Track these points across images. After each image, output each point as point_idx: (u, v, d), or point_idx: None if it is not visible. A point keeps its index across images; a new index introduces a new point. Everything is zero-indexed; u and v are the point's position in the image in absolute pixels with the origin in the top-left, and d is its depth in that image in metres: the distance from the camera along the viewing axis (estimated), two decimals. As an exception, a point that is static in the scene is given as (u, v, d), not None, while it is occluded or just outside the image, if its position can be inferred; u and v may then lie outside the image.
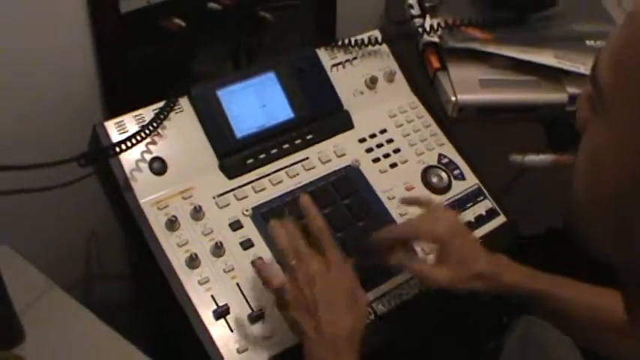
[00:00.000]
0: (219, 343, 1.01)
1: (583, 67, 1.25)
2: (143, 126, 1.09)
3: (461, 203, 1.23)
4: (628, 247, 0.57)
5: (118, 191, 1.09)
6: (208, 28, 1.39)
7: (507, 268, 1.06)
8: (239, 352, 1.01)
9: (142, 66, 1.31)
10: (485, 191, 1.26)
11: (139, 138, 1.07)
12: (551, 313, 1.08)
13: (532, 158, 0.98)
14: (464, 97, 1.26)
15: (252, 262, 1.03)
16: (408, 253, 1.09)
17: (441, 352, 1.37)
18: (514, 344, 1.26)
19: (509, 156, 1.00)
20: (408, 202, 1.16)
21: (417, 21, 1.35)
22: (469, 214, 1.22)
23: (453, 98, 1.26)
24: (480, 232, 1.22)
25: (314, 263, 0.95)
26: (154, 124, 1.09)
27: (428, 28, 1.31)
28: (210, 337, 1.01)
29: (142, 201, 1.09)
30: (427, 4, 1.36)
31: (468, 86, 1.27)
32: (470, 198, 1.24)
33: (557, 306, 1.04)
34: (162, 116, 1.11)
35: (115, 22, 1.22)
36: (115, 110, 1.23)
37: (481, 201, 1.25)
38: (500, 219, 1.24)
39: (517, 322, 1.28)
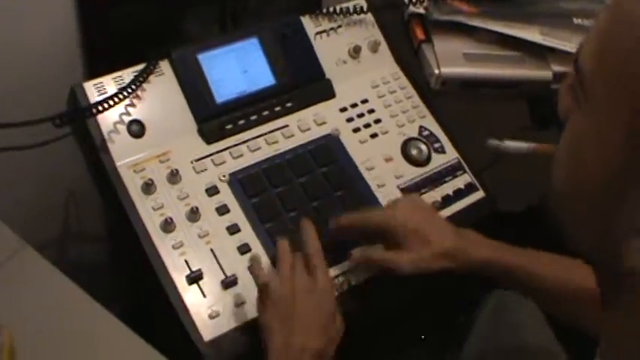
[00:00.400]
0: (191, 308, 1.01)
1: (569, 44, 1.25)
2: (122, 88, 1.08)
3: (440, 176, 1.23)
4: (604, 241, 0.57)
5: (94, 153, 1.08)
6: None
7: (476, 244, 1.07)
8: (211, 317, 1.01)
9: (124, 26, 1.29)
10: (464, 165, 1.25)
11: (116, 100, 1.06)
12: (523, 287, 1.08)
13: (510, 144, 0.97)
14: (447, 69, 1.26)
15: (250, 258, 1.04)
16: (368, 246, 1.08)
17: (413, 326, 1.37)
18: (485, 319, 1.27)
19: (486, 140, 1.00)
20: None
21: (404, -9, 1.34)
22: (448, 188, 1.22)
23: (437, 71, 1.26)
24: (458, 206, 1.22)
25: (303, 279, 0.98)
26: (133, 87, 1.08)
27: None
28: (183, 302, 1.01)
29: (118, 163, 1.08)
30: (415, -26, 1.35)
31: (451, 59, 1.27)
32: (449, 172, 1.24)
33: (529, 279, 1.05)
34: (141, 79, 1.10)
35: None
36: (95, 71, 1.21)
37: (460, 175, 1.25)
38: (479, 194, 1.24)
39: (489, 298, 1.29)
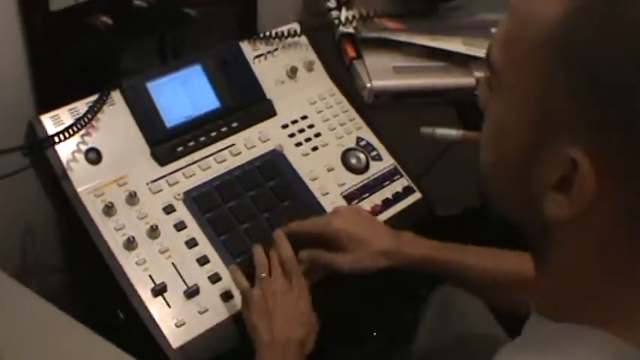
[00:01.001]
0: (158, 319, 1.08)
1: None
2: (78, 118, 1.15)
3: (379, 182, 1.33)
4: (528, 203, 0.67)
5: (55, 181, 1.15)
6: (135, 25, 1.45)
7: (412, 243, 1.18)
8: (177, 326, 1.08)
9: (72, 63, 1.36)
10: (401, 170, 1.35)
11: (75, 129, 1.13)
12: (457, 280, 1.18)
13: (441, 131, 1.08)
14: (379, 83, 1.35)
15: (229, 269, 1.14)
16: (314, 250, 1.17)
17: (364, 324, 1.46)
18: (432, 314, 1.36)
19: (420, 129, 1.10)
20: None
21: (334, 13, 1.44)
22: (387, 192, 1.32)
23: (369, 85, 1.35)
24: (398, 207, 1.32)
25: (280, 281, 1.09)
26: (89, 116, 1.15)
27: (344, 20, 1.40)
28: (150, 314, 1.08)
29: (79, 189, 1.15)
30: (343, -2, 1.45)
31: (382, 73, 1.37)
32: (387, 177, 1.34)
33: (462, 272, 1.15)
34: (96, 108, 1.17)
35: (44, 20, 1.27)
36: (45, 107, 1.27)
37: (397, 179, 1.34)
38: (416, 195, 1.34)
39: (434, 294, 1.38)
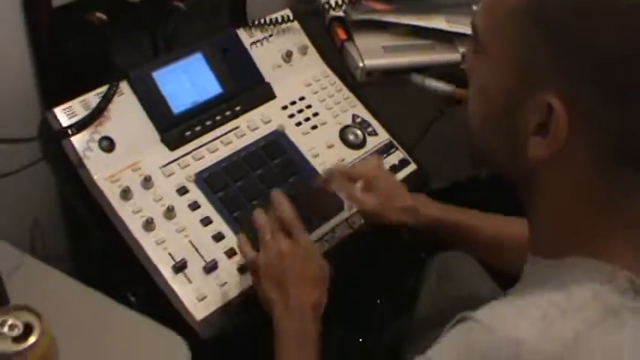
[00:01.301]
0: (180, 294, 1.14)
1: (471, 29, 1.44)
2: (93, 109, 1.21)
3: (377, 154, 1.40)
4: (512, 150, 0.77)
5: (72, 171, 1.20)
6: (129, 20, 1.51)
7: (428, 205, 1.25)
8: (199, 300, 1.14)
9: (72, 58, 1.42)
10: (396, 144, 1.42)
11: (89, 119, 1.19)
12: (470, 242, 1.26)
13: (431, 82, 1.15)
14: (370, 62, 1.42)
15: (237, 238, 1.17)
16: (344, 183, 1.24)
17: (369, 293, 1.54)
18: (431, 280, 1.44)
19: (410, 75, 1.18)
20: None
21: (323, -1, 1.51)
22: (385, 164, 1.39)
23: (361, 64, 1.42)
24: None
25: (285, 242, 1.09)
26: (102, 106, 1.21)
27: (333, 4, 1.47)
28: (172, 290, 1.14)
29: (95, 177, 1.20)
30: (330, -18, 1.52)
31: (373, 53, 1.44)
32: (383, 150, 1.41)
33: (476, 235, 1.23)
34: (107, 99, 1.23)
35: (48, 16, 1.33)
36: (50, 100, 1.33)
37: (393, 152, 1.41)
38: (412, 167, 1.41)
39: (432, 260, 1.46)
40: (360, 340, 1.51)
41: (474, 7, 1.49)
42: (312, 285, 1.08)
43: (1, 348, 0.82)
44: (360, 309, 1.49)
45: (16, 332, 0.83)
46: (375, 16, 1.46)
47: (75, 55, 1.41)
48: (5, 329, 0.83)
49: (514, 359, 0.68)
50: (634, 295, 0.72)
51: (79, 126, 1.19)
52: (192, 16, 1.62)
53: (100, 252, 1.30)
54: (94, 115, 1.21)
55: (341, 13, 1.47)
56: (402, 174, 1.40)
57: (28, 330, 0.83)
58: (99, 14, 1.42)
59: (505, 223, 1.22)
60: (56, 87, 1.38)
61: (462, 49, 1.45)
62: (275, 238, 1.10)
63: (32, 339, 0.83)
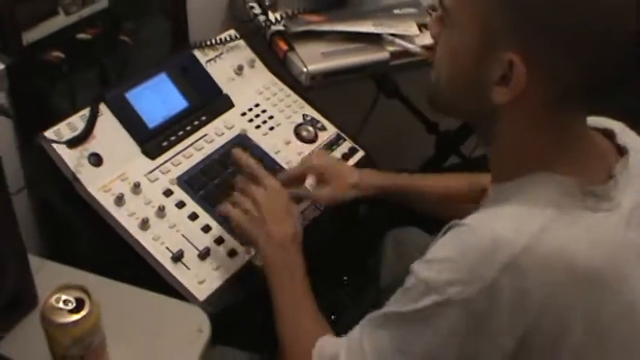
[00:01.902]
0: (182, 280, 1.29)
1: (394, 29, 1.64)
2: (82, 130, 1.36)
3: (328, 147, 1.58)
4: (477, 99, 0.96)
5: (68, 185, 1.34)
6: (82, 54, 1.66)
7: (375, 175, 1.46)
8: (199, 283, 1.29)
9: (41, 90, 1.56)
10: (343, 135, 1.62)
11: (82, 138, 1.34)
12: (419, 201, 1.45)
13: (401, 42, 1.34)
14: (312, 67, 1.60)
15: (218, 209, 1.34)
16: (300, 186, 1.42)
17: (335, 272, 1.71)
18: (389, 256, 1.61)
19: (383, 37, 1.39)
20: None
21: (261, 17, 1.69)
22: (337, 154, 1.58)
23: (305, 69, 1.60)
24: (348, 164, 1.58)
25: (254, 190, 1.28)
26: (89, 127, 1.36)
27: (273, 20, 1.65)
28: (175, 277, 1.29)
29: (89, 189, 1.35)
30: (267, 3, 1.70)
31: (313, 59, 1.62)
32: (334, 142, 1.60)
33: (419, 192, 1.42)
34: (92, 120, 1.38)
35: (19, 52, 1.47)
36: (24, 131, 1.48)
37: (342, 143, 1.61)
38: (360, 153, 1.61)
39: (386, 238, 1.64)
40: (332, 317, 1.67)
41: (396, 11, 1.71)
42: (288, 218, 1.26)
43: (60, 319, 0.96)
44: (328, 288, 1.66)
45: (70, 306, 0.97)
46: (312, 27, 1.65)
47: (40, 88, 1.56)
48: (61, 304, 0.97)
49: (493, 249, 0.87)
50: (582, 196, 0.93)
51: (71, 144, 1.34)
52: (140, 47, 1.79)
53: (92, 255, 1.42)
54: (84, 134, 1.36)
55: (281, 27, 1.66)
56: (352, 161, 1.59)
57: (80, 304, 0.98)
58: (56, 53, 1.58)
59: (450, 179, 1.42)
60: (29, 117, 1.52)
61: (389, 49, 1.65)
62: (246, 189, 1.29)
63: (84, 311, 0.97)
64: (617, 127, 1.04)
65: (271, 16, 1.67)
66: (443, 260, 0.93)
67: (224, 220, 1.37)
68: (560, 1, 0.88)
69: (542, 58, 0.90)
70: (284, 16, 1.66)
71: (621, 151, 1.00)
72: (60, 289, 0.98)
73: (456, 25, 0.96)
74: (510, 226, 0.89)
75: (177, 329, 1.14)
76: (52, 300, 0.97)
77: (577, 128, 0.97)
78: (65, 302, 0.97)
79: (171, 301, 1.19)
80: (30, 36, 1.52)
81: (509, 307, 0.87)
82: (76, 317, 0.96)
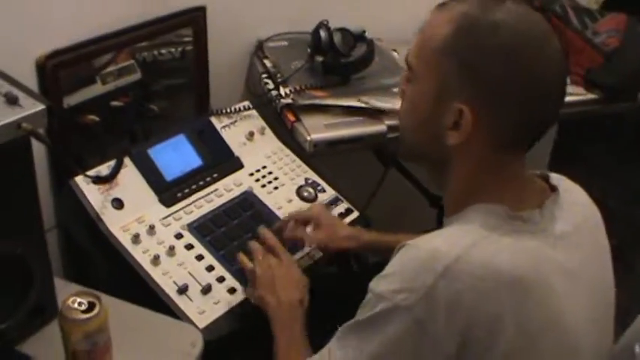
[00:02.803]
0: (185, 310, 1.46)
1: (391, 105, 1.84)
2: (106, 175, 1.56)
3: (327, 207, 1.77)
4: (434, 143, 1.15)
5: (93, 224, 1.54)
6: (115, 119, 1.90)
7: (365, 232, 1.64)
8: (200, 313, 1.46)
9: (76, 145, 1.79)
10: (341, 197, 1.80)
11: (105, 183, 1.55)
12: None
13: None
14: (315, 136, 1.81)
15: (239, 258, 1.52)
16: (297, 229, 1.61)
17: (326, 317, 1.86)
18: None
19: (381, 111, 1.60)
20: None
21: (274, 92, 1.91)
22: (334, 213, 1.76)
23: (309, 138, 1.80)
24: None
25: (272, 259, 1.47)
26: (113, 174, 1.57)
27: (283, 94, 1.87)
28: (179, 307, 1.46)
29: (111, 228, 1.54)
30: (278, 79, 1.93)
31: (317, 129, 1.82)
32: (332, 203, 1.78)
33: None
34: (116, 169, 1.59)
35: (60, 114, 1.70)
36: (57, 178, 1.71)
37: (340, 204, 1.79)
38: (355, 214, 1.79)
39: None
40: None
41: (394, 90, 1.91)
42: (296, 286, 1.44)
43: (74, 316, 1.14)
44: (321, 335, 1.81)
45: (83, 307, 1.15)
46: (317, 101, 1.86)
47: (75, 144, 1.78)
48: (76, 305, 1.15)
49: (431, 259, 1.05)
50: (509, 219, 1.11)
51: (96, 182, 1.55)
52: (165, 115, 2.02)
53: (109, 284, 1.60)
54: (108, 179, 1.56)
55: (290, 101, 1.87)
56: (347, 219, 1.77)
57: (91, 306, 1.16)
58: (91, 116, 1.82)
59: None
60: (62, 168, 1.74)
61: (387, 122, 1.85)
62: (265, 257, 1.48)
63: (94, 312, 1.15)
64: (555, 175, 1.24)
65: (282, 90, 1.89)
66: (391, 274, 1.10)
67: (227, 264, 1.55)
68: (506, 69, 1.08)
69: (488, 110, 1.10)
70: (293, 90, 1.88)
71: (554, 190, 1.19)
72: (76, 294, 1.17)
73: (419, 80, 1.16)
74: (446, 241, 1.08)
75: (174, 343, 1.32)
76: (69, 301, 1.16)
77: (515, 167, 1.16)
78: (79, 304, 1.16)
79: (169, 319, 1.37)
80: (70, 100, 1.76)
81: (446, 310, 1.03)
82: (86, 316, 1.15)
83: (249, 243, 1.53)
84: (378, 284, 1.11)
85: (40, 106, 1.12)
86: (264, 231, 1.55)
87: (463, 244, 1.06)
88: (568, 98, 2.04)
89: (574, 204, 1.20)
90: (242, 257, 1.51)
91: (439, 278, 1.03)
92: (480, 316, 1.04)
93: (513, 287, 1.05)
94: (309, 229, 1.62)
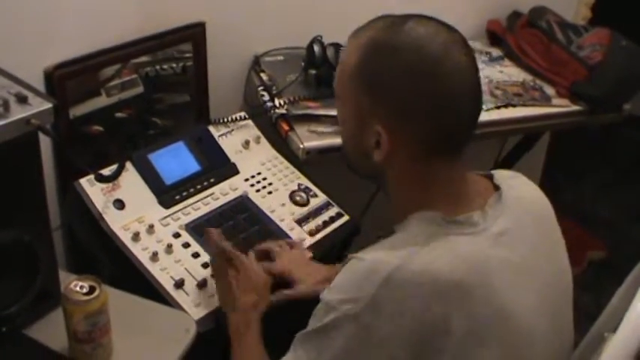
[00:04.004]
0: (181, 302, 1.55)
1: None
2: (109, 177, 1.66)
3: (318, 210, 1.86)
4: (365, 159, 1.24)
5: (96, 223, 1.64)
6: (118, 130, 2.00)
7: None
8: (195, 306, 1.56)
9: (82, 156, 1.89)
10: (332, 202, 1.89)
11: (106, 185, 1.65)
12: None
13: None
14: (308, 144, 1.91)
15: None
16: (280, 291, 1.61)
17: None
18: None
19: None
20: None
21: (269, 103, 2.02)
22: (324, 217, 1.85)
23: (301, 146, 1.90)
24: (332, 227, 1.84)
25: (228, 270, 1.51)
26: (115, 176, 1.67)
27: (278, 105, 1.98)
28: (175, 300, 1.56)
29: (112, 226, 1.64)
30: (273, 91, 2.04)
31: (310, 138, 1.92)
32: (323, 207, 1.88)
33: None
34: (118, 172, 1.68)
35: (66, 125, 1.81)
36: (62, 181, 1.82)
37: (330, 208, 1.88)
38: (345, 218, 1.88)
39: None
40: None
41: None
42: (251, 292, 1.49)
43: (75, 297, 1.24)
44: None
45: (84, 290, 1.25)
46: (309, 111, 1.97)
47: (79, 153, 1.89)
48: (77, 288, 1.25)
49: (373, 270, 1.12)
50: (446, 224, 1.18)
51: (99, 180, 1.64)
52: (167, 126, 2.12)
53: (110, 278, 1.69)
54: (111, 179, 1.66)
55: (284, 111, 1.98)
56: (337, 223, 1.86)
57: (92, 289, 1.26)
58: (96, 127, 1.93)
59: None
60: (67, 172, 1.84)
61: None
62: (219, 270, 1.54)
63: (94, 294, 1.25)
64: (504, 172, 1.33)
65: (277, 101, 2.00)
66: (338, 285, 1.18)
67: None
68: (408, 87, 1.16)
69: (399, 128, 1.18)
70: (287, 101, 1.98)
71: (498, 189, 1.27)
72: (78, 278, 1.27)
73: (342, 104, 1.27)
74: (387, 252, 1.15)
75: (169, 329, 1.41)
76: (71, 285, 1.26)
77: (446, 174, 1.22)
78: (81, 287, 1.26)
79: (165, 308, 1.46)
80: (76, 111, 1.87)
81: (391, 317, 1.10)
82: (87, 298, 1.24)
83: (209, 260, 1.61)
84: (327, 294, 1.19)
85: (48, 105, 1.22)
86: (212, 234, 1.57)
87: (402, 254, 1.13)
88: (555, 110, 2.19)
89: (519, 199, 1.26)
90: (209, 276, 1.59)
91: (381, 287, 1.11)
92: (426, 321, 1.11)
93: (454, 291, 1.12)
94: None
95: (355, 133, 1.24)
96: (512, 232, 1.21)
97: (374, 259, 1.15)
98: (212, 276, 1.58)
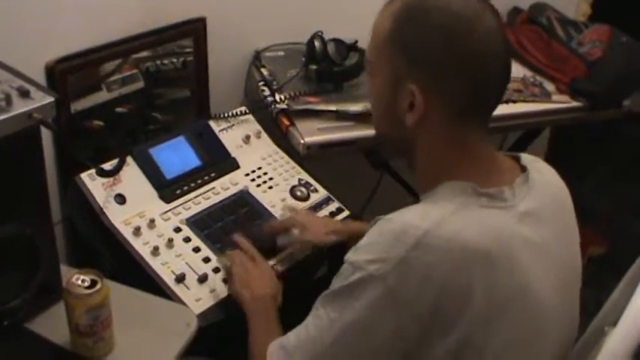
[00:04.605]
0: (182, 297, 1.56)
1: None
2: (110, 171, 1.66)
3: (318, 205, 1.87)
4: (398, 125, 1.25)
5: (97, 218, 1.64)
6: (119, 125, 2.00)
7: (348, 223, 1.75)
8: (196, 301, 1.56)
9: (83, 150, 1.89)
10: (332, 197, 1.90)
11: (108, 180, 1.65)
12: None
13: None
14: (309, 139, 1.91)
15: (217, 259, 1.64)
16: (287, 234, 1.72)
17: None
18: None
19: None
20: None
21: (270, 98, 2.02)
22: (324, 211, 1.86)
23: (302, 141, 1.90)
24: (334, 221, 1.86)
25: (248, 262, 1.58)
26: (116, 170, 1.67)
27: (278, 100, 1.98)
28: (176, 294, 1.56)
29: (113, 221, 1.65)
30: (274, 86, 2.04)
31: (310, 133, 1.92)
32: (323, 202, 1.88)
33: None
34: (119, 167, 1.68)
35: (67, 118, 1.81)
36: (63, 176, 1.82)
37: (331, 203, 1.89)
38: (345, 213, 1.89)
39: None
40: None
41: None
42: (269, 284, 1.55)
43: (77, 291, 1.24)
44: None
45: (86, 284, 1.25)
46: (310, 106, 1.97)
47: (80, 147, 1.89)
48: (79, 282, 1.25)
49: (403, 232, 1.13)
50: (477, 196, 1.19)
51: (100, 175, 1.64)
52: (167, 121, 2.13)
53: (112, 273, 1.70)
54: (112, 173, 1.66)
55: (285, 106, 1.98)
56: (338, 218, 1.86)
57: (93, 283, 1.26)
58: (97, 122, 1.93)
59: None
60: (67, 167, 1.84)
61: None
62: (242, 260, 1.59)
63: (97, 287, 1.25)
64: (528, 156, 1.33)
65: (277, 96, 2.00)
66: (365, 245, 1.19)
67: (222, 256, 1.65)
68: (441, 46, 1.18)
69: (434, 87, 1.20)
70: (288, 97, 1.99)
71: (524, 170, 1.28)
72: (80, 272, 1.27)
73: (376, 72, 1.28)
74: (417, 216, 1.16)
75: (170, 323, 1.41)
76: (73, 279, 1.26)
77: (479, 147, 1.24)
78: (82, 281, 1.26)
79: (167, 302, 1.47)
80: (77, 105, 1.87)
81: (419, 280, 1.12)
82: (89, 291, 1.24)
83: (227, 250, 1.64)
84: (354, 255, 1.20)
85: (49, 99, 1.22)
86: (240, 239, 1.66)
87: (433, 218, 1.15)
88: (555, 106, 2.18)
89: (545, 184, 1.29)
90: (220, 257, 1.62)
91: (412, 250, 1.12)
92: (451, 286, 1.12)
93: (480, 260, 1.14)
94: (295, 231, 1.72)
95: (389, 101, 1.25)
96: (536, 213, 1.23)
97: (404, 222, 1.16)
98: (224, 268, 1.61)
